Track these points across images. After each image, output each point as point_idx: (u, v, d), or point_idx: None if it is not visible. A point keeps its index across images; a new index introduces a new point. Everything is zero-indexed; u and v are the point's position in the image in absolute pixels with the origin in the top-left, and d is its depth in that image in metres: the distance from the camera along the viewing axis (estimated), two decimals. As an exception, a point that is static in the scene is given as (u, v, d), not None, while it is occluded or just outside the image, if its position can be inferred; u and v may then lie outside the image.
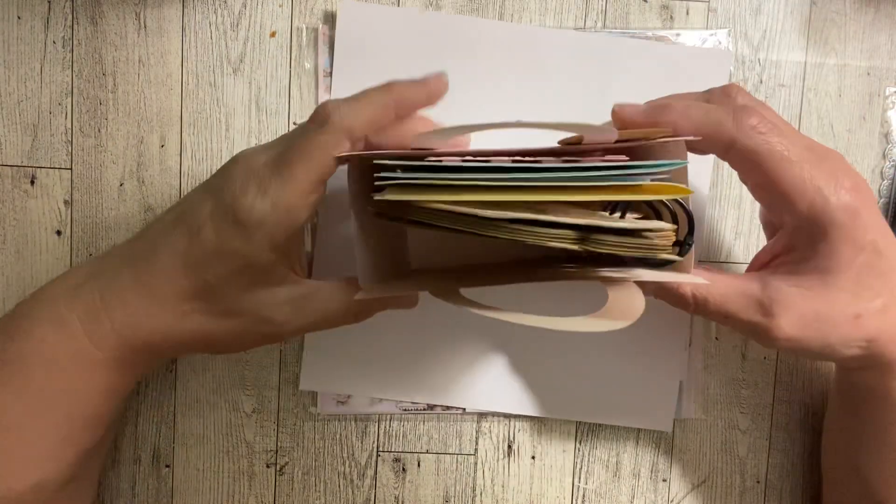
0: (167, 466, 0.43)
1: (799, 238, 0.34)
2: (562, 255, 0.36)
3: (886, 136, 0.44)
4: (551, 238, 0.29)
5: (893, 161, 0.44)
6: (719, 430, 0.44)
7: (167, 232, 0.34)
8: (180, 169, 0.42)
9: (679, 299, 0.34)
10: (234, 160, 0.33)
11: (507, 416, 0.43)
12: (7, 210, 0.41)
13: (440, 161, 0.29)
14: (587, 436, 0.44)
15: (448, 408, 0.43)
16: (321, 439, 0.43)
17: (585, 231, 0.29)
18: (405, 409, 0.43)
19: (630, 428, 0.44)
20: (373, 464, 0.44)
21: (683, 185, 0.30)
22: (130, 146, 0.41)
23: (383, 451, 0.44)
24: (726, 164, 0.34)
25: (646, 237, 0.30)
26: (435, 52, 0.41)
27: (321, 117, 0.32)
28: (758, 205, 0.38)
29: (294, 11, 0.41)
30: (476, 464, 0.44)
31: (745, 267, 0.43)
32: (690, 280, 0.32)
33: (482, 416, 0.43)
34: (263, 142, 0.37)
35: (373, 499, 0.44)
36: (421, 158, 0.30)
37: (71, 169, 0.41)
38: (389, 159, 0.30)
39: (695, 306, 0.34)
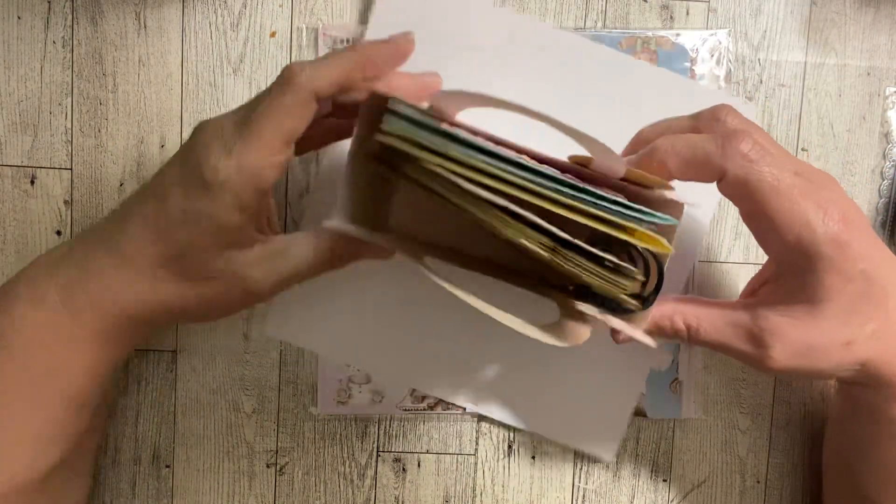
0: (167, 466, 0.43)
1: (787, 268, 0.34)
2: (527, 269, 0.37)
3: (886, 136, 0.44)
4: (528, 237, 0.30)
5: (893, 161, 0.44)
6: (719, 430, 0.44)
7: (138, 202, 0.34)
8: (180, 169, 0.42)
9: (675, 333, 0.35)
10: (200, 126, 0.33)
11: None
12: (7, 210, 0.41)
13: (453, 130, 0.29)
14: (587, 436, 0.44)
15: (448, 407, 0.43)
16: (321, 439, 0.43)
17: (560, 243, 0.30)
18: (405, 409, 0.43)
19: (630, 428, 0.44)
20: (373, 464, 0.44)
21: (668, 243, 0.31)
22: (130, 146, 0.41)
23: (383, 451, 0.44)
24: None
25: (613, 271, 0.31)
26: (471, 43, 0.41)
27: (287, 78, 0.31)
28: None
29: (294, 11, 0.41)
30: (476, 464, 0.44)
31: (744, 267, 0.43)
32: (636, 335, 0.33)
33: (482, 416, 0.43)
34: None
35: (373, 499, 0.44)
36: (436, 119, 0.30)
37: (71, 169, 0.41)
38: (411, 108, 0.30)
39: (689, 338, 0.35)
